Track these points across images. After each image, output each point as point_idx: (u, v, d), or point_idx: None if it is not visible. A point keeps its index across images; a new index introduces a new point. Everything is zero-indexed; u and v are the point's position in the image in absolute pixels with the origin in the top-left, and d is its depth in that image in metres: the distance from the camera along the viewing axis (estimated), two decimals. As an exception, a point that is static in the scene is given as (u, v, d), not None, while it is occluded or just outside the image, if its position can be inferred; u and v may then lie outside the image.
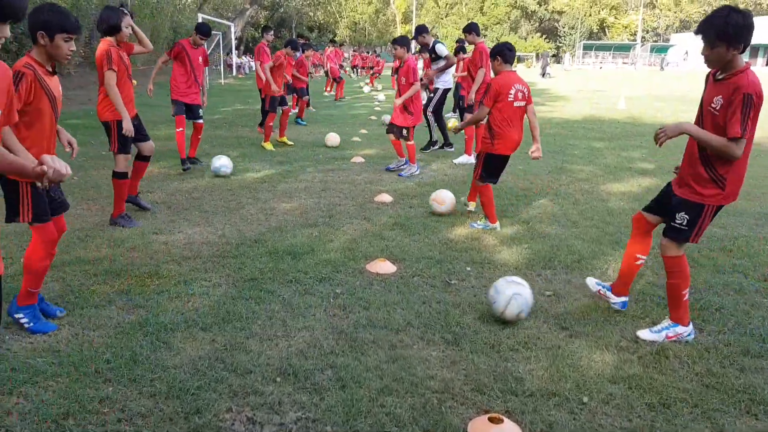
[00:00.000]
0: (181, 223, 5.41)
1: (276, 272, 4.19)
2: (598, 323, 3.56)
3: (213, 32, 26.73)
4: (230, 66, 32.90)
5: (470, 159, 8.49)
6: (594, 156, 9.34)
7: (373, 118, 14.22)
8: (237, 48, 33.52)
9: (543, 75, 38.76)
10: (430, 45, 9.21)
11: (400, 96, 7.33)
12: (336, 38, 60.26)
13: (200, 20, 23.65)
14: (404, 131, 7.45)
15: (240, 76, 34.16)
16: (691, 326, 3.40)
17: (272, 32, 10.83)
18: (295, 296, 3.82)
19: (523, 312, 3.47)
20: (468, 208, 5.87)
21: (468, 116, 5.28)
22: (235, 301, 3.70)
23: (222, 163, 7.40)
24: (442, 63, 9.13)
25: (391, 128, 7.56)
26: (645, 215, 3.61)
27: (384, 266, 4.28)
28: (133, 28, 5.34)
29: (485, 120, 5.23)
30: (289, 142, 9.90)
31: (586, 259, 4.64)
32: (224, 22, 30.89)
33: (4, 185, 3.16)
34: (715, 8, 3.21)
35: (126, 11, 5.28)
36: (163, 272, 4.18)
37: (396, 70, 7.66)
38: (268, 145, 9.53)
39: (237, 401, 2.67)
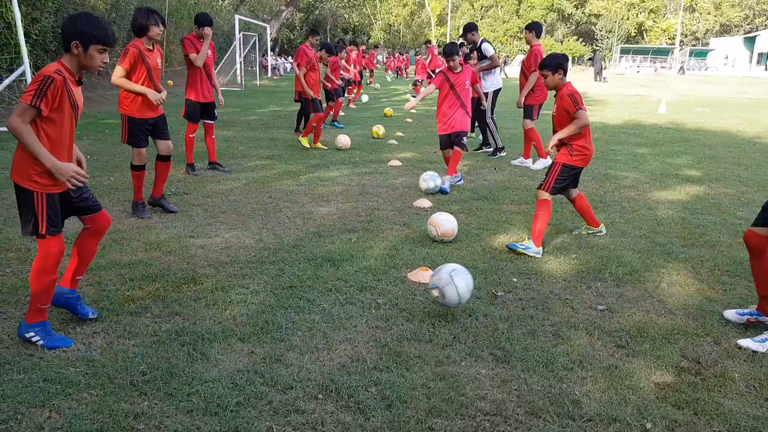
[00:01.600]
0: (218, 226, 5.33)
1: (315, 280, 4.06)
2: (656, 341, 3.33)
3: (249, 34, 26.98)
4: (266, 67, 33.12)
5: (544, 161, 8.24)
6: (638, 162, 9.01)
7: (409, 120, 14.06)
8: (272, 49, 33.74)
9: (597, 79, 36.41)
10: (478, 43, 9.11)
11: (460, 104, 6.75)
12: (371, 40, 60.39)
13: (236, 22, 23.93)
14: (464, 138, 6.80)
15: (275, 77, 34.37)
16: None
17: (318, 36, 10.65)
18: (335, 306, 3.68)
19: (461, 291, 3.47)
20: (594, 232, 5.25)
21: (571, 124, 4.61)
22: (273, 310, 3.58)
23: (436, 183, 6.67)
24: (486, 63, 8.96)
25: (457, 140, 6.79)
26: (756, 230, 3.42)
27: (426, 276, 4.11)
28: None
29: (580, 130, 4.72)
30: (323, 147, 9.73)
31: (638, 272, 4.39)
32: (260, 23, 31.14)
33: (18, 197, 3.02)
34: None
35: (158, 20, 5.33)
36: (200, 278, 4.09)
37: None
38: (305, 141, 9.46)
39: (277, 420, 2.54)
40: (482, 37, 9.37)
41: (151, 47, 5.37)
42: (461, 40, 10.09)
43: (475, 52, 9.22)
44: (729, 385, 2.94)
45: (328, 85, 11.24)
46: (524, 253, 4.67)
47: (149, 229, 5.17)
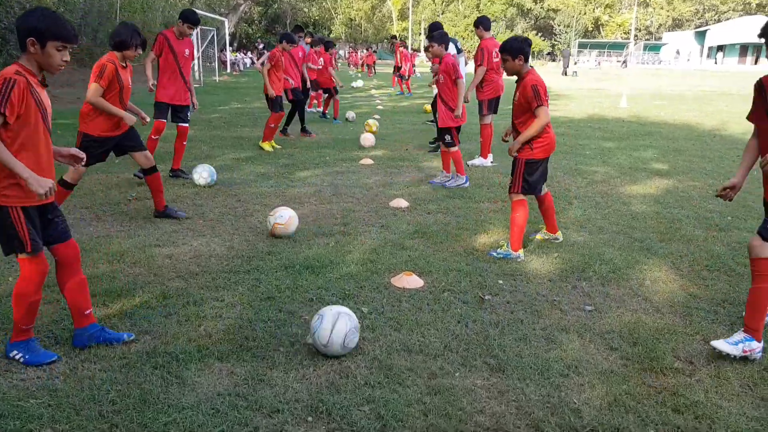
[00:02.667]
0: (185, 233, 5.07)
1: (295, 289, 3.86)
2: (648, 342, 3.26)
3: (206, 28, 26.31)
4: (224, 63, 32.42)
5: (485, 162, 8.17)
6: (606, 156, 9.06)
7: (376, 117, 13.88)
8: (231, 44, 33.04)
9: (566, 73, 36.35)
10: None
11: (440, 97, 6.72)
12: (331, 35, 59.89)
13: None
14: (447, 136, 6.65)
15: (235, 73, 33.67)
16: (762, 344, 3.11)
17: (303, 32, 10.74)
18: (317, 317, 3.49)
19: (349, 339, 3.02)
20: (551, 238, 4.95)
21: (531, 125, 4.32)
22: (252, 325, 3.37)
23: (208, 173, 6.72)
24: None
25: (439, 136, 6.80)
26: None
27: (411, 280, 3.97)
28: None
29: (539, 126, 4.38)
30: (270, 148, 9.19)
31: (621, 269, 4.34)
32: (217, 17, 30.42)
33: None
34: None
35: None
36: (169, 291, 3.84)
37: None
38: (267, 146, 9.17)
39: (266, 448, 2.35)
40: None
41: (124, 64, 5.03)
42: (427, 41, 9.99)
43: None
44: (725, 385, 2.89)
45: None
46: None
47: (111, 238, 4.87)
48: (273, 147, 9.24)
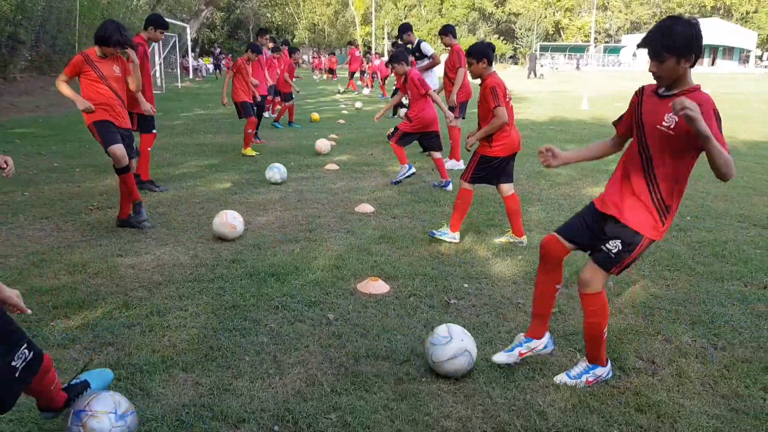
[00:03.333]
0: (148, 242, 4.98)
1: (260, 297, 3.83)
2: (611, 342, 3.33)
3: (168, 34, 25.89)
4: (186, 69, 31.97)
5: (459, 164, 8.26)
6: (568, 158, 9.22)
7: (341, 122, 13.88)
8: (193, 50, 32.60)
9: (530, 76, 37.14)
10: (415, 43, 9.03)
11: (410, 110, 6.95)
12: (294, 39, 59.57)
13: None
14: (392, 130, 7.01)
15: (198, 79, 33.23)
16: (609, 365, 2.97)
17: (267, 35, 10.83)
18: (283, 325, 3.47)
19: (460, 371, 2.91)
20: (516, 241, 5.03)
21: (489, 123, 4.66)
22: (217, 334, 3.33)
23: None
24: (425, 62, 8.89)
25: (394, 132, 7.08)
26: (559, 238, 2.95)
27: (377, 286, 3.98)
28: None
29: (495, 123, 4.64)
30: (253, 153, 9.26)
31: (584, 271, 4.43)
32: (179, 23, 29.98)
33: None
34: (663, 9, 2.80)
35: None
36: (132, 301, 3.77)
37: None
38: (250, 151, 9.12)
39: (232, 460, 2.33)
40: (418, 37, 9.33)
41: (103, 55, 5.13)
42: (398, 41, 10.11)
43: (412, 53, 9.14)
44: (686, 384, 2.97)
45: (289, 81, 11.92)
46: (442, 240, 4.94)
47: (71, 248, 4.75)
48: (255, 152, 9.18)
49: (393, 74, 7.47)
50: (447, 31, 8.32)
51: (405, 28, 9.19)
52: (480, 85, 4.81)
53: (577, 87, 28.08)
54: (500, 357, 3.03)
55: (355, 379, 2.90)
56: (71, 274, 4.22)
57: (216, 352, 3.13)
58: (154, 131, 6.93)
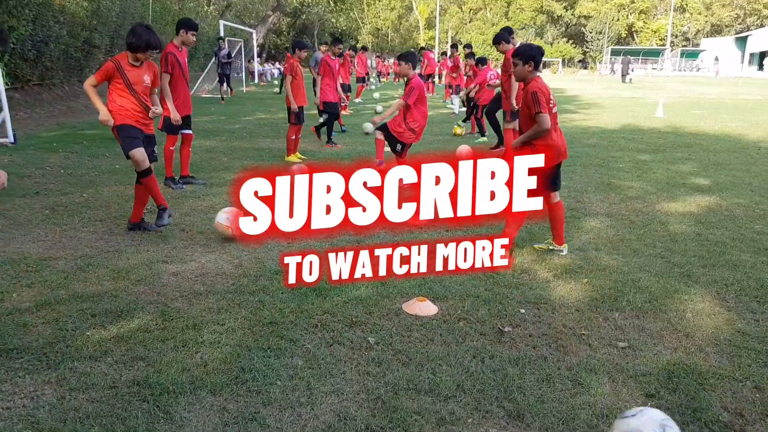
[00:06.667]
0: (195, 249, 4.88)
1: (299, 314, 3.61)
2: (690, 389, 2.91)
3: (234, 39, 26.50)
4: (252, 73, 32.62)
5: None
6: (641, 170, 8.62)
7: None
8: (259, 55, 33.29)
9: (624, 80, 36.70)
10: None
11: (408, 116, 6.67)
12: (358, 44, 60.01)
13: (221, 27, 23.49)
14: (398, 146, 6.70)
15: (262, 83, 33.85)
16: None
17: (339, 44, 11.18)
18: (321, 347, 3.23)
19: None
20: (556, 249, 4.83)
21: (530, 131, 4.49)
22: (251, 353, 3.13)
23: None
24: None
25: (386, 131, 6.78)
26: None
27: (424, 307, 3.68)
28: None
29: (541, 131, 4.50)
30: (298, 158, 9.16)
31: (659, 299, 3.98)
32: (246, 29, 30.66)
33: None
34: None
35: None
36: (170, 312, 3.63)
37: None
38: (294, 158, 9.02)
39: (249, 507, 2.09)
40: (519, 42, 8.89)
41: (136, 64, 5.03)
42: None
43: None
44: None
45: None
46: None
47: (119, 253, 4.71)
48: (299, 158, 9.08)
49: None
50: (499, 39, 8.07)
51: (508, 32, 8.34)
52: (523, 89, 4.66)
53: (651, 93, 26.74)
54: None
55: (392, 415, 2.62)
56: (114, 280, 4.14)
57: (247, 374, 2.92)
58: (187, 132, 7.07)
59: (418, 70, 6.75)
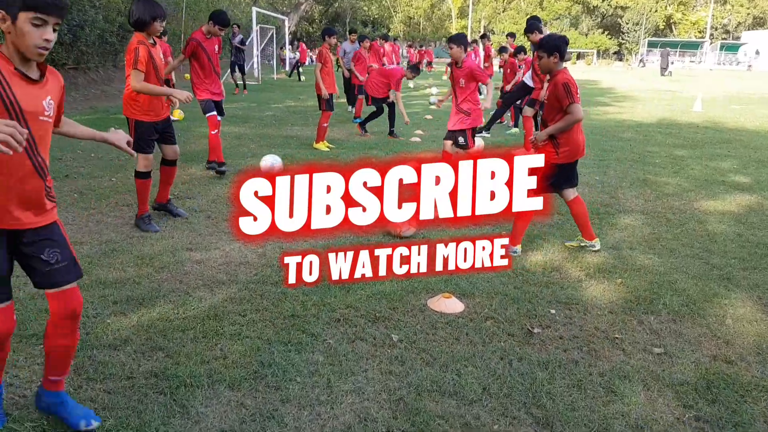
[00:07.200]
0: (220, 236, 4.83)
1: (321, 307, 3.53)
2: (731, 401, 2.74)
3: (267, 26, 26.51)
4: (283, 61, 32.61)
5: None
6: (678, 166, 8.31)
7: (429, 117, 13.45)
8: (291, 43, 33.30)
9: (663, 73, 36.01)
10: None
11: (456, 100, 6.51)
12: (390, 33, 59.61)
13: (254, 14, 23.44)
14: (460, 138, 6.50)
15: (295, 72, 33.82)
16: None
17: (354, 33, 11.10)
18: (342, 342, 3.14)
19: None
20: (588, 245, 4.70)
21: (562, 119, 4.31)
22: (271, 347, 3.06)
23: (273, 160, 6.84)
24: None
25: (449, 135, 6.66)
26: None
27: (450, 304, 3.57)
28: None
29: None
30: (327, 147, 9.06)
31: (697, 303, 3.79)
32: (279, 16, 30.66)
33: None
34: None
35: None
36: (191, 301, 3.58)
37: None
38: (322, 146, 8.93)
39: None
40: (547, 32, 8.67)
41: (153, 42, 4.93)
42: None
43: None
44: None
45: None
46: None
47: (144, 239, 4.69)
48: (328, 147, 9.01)
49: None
50: (532, 28, 7.80)
51: (532, 28, 7.92)
52: (548, 81, 4.43)
53: (688, 86, 25.95)
54: None
55: (414, 418, 2.52)
56: (138, 267, 4.12)
57: (266, 369, 2.85)
58: (212, 114, 6.82)
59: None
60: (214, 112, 6.78)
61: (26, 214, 2.14)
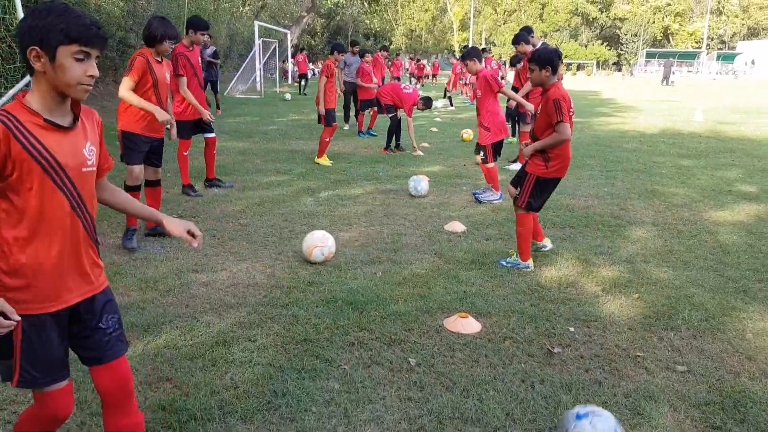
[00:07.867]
0: (227, 256, 4.75)
1: (334, 330, 3.44)
2: (760, 420, 2.65)
3: (269, 40, 26.57)
4: (286, 73, 32.67)
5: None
6: (685, 176, 8.24)
7: (434, 130, 13.41)
8: (293, 56, 33.36)
9: (664, 83, 36.28)
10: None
11: (478, 116, 6.62)
12: (391, 46, 59.86)
13: (256, 28, 23.49)
14: (481, 152, 6.62)
15: (296, 84, 33.91)
16: None
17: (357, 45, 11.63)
18: (358, 368, 3.04)
19: None
20: (545, 248, 4.83)
21: (550, 136, 4.22)
22: (284, 375, 2.96)
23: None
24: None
25: (476, 149, 6.85)
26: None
27: (466, 324, 3.47)
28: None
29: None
30: (327, 162, 8.89)
31: (715, 317, 3.69)
32: (281, 29, 30.79)
33: None
34: None
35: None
36: (199, 327, 3.49)
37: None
38: (324, 161, 8.86)
39: None
40: (542, 41, 8.66)
41: (159, 59, 4.93)
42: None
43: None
44: None
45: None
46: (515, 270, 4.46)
47: (148, 261, 4.60)
48: (328, 162, 8.94)
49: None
50: (519, 39, 7.91)
51: (519, 39, 8.02)
52: (541, 95, 4.34)
53: (687, 97, 25.97)
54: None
55: (437, 448, 2.42)
56: (142, 291, 4.03)
57: (280, 399, 2.75)
58: (210, 135, 6.86)
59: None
60: (188, 138, 6.60)
61: (81, 285, 1.86)
